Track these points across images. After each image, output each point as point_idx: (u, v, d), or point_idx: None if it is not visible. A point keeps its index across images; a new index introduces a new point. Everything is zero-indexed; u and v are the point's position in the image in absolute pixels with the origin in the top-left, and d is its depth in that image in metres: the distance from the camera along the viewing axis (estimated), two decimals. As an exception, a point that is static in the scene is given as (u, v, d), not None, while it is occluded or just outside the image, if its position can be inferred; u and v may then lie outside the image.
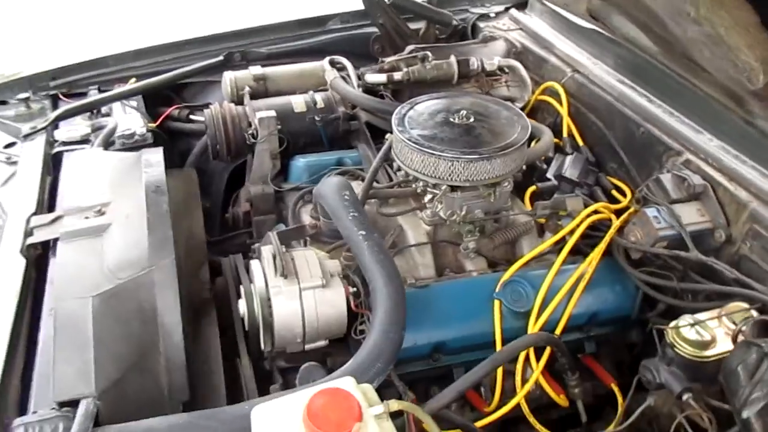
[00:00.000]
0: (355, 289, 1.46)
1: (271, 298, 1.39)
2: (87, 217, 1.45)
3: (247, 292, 1.43)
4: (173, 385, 1.28)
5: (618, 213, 1.69)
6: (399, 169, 1.86)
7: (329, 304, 1.42)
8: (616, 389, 1.63)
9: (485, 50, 2.31)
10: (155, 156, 1.57)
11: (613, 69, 1.99)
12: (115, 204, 1.47)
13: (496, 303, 1.53)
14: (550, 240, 1.63)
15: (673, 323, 1.40)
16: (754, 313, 1.37)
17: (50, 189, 1.66)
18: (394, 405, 1.11)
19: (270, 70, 2.18)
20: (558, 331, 1.55)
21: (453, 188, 1.62)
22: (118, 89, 2.12)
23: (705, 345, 1.35)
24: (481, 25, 2.52)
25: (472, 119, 1.67)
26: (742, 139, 1.58)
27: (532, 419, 1.51)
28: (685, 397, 1.34)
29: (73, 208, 1.47)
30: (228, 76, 2.14)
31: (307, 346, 1.45)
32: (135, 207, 1.41)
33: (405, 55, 2.19)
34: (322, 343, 1.46)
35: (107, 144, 1.83)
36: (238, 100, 2.13)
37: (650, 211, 1.55)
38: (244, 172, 2.14)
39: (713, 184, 1.56)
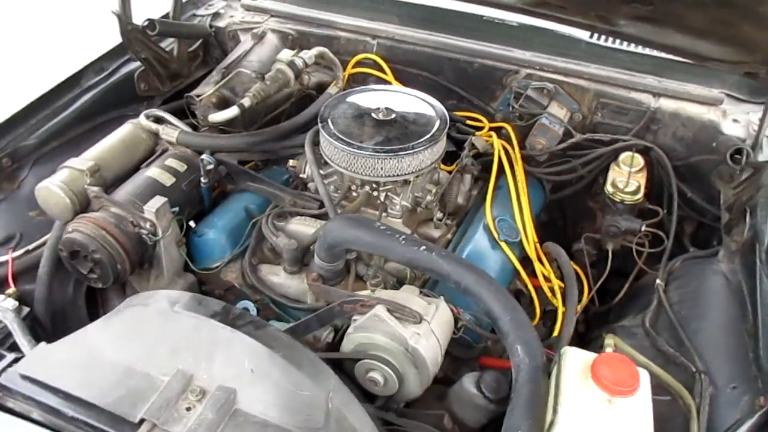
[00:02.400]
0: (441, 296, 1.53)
1: (414, 347, 1.37)
2: (189, 408, 1.13)
3: (382, 358, 1.37)
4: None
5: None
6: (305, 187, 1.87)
7: (445, 321, 1.47)
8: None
9: (265, 48, 2.27)
10: (193, 300, 1.26)
11: (402, 25, 2.25)
12: (205, 370, 1.17)
13: (503, 245, 1.78)
14: (491, 179, 1.91)
15: (609, 188, 1.91)
16: (638, 155, 1.96)
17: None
18: (610, 341, 1.35)
19: (91, 157, 1.76)
20: (535, 238, 1.89)
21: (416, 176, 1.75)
22: None
23: (637, 190, 1.90)
24: (221, 25, 2.42)
25: (393, 114, 1.77)
26: (552, 48, 2.09)
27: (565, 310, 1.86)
28: (644, 228, 1.88)
29: (160, 408, 1.12)
30: (52, 186, 1.66)
31: (436, 368, 1.49)
32: (250, 354, 1.17)
33: (221, 80, 2.03)
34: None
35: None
36: (82, 208, 1.70)
37: (544, 121, 1.97)
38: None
39: (558, 84, 2.04)
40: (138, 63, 2.14)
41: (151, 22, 2.04)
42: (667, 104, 1.96)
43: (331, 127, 1.72)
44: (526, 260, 1.86)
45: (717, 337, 1.51)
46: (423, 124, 1.75)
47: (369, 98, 1.86)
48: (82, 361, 1.24)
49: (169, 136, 1.85)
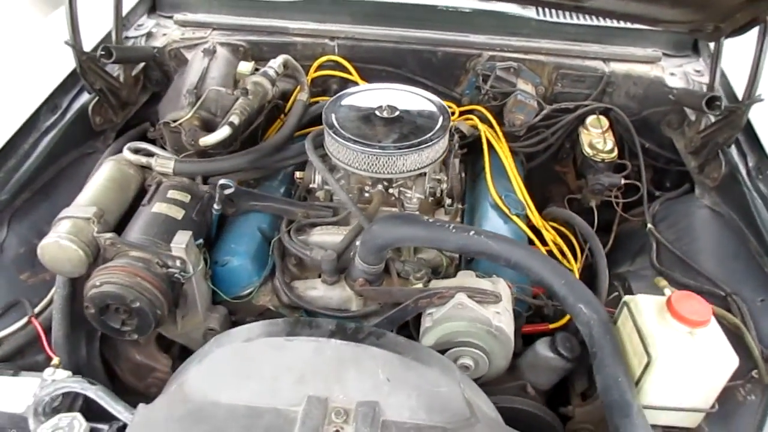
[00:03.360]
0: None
1: (498, 325, 1.43)
2: (339, 431, 1.12)
3: (472, 343, 1.42)
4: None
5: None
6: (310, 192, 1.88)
7: (509, 296, 1.54)
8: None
9: (219, 63, 2.17)
10: (303, 325, 1.23)
11: (356, 24, 2.26)
12: (339, 391, 1.16)
13: (516, 219, 1.88)
14: (486, 160, 1.99)
15: (588, 150, 2.07)
16: (602, 117, 2.14)
17: None
18: (665, 282, 1.50)
19: (90, 203, 1.61)
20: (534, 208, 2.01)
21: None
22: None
23: (613, 148, 2.08)
24: (158, 45, 2.27)
25: (396, 111, 1.79)
26: (506, 29, 2.21)
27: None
28: (623, 181, 2.07)
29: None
30: (61, 241, 1.50)
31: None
32: (382, 364, 1.17)
33: (196, 103, 1.92)
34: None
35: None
36: (93, 259, 1.56)
37: (520, 97, 2.08)
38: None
39: (520, 61, 2.17)
40: (87, 96, 1.98)
41: (107, 49, 1.89)
42: (618, 67, 2.17)
43: (342, 131, 1.71)
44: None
45: (724, 263, 1.72)
46: (427, 116, 1.80)
47: (363, 99, 1.87)
48: (195, 413, 1.16)
49: (165, 168, 1.74)
